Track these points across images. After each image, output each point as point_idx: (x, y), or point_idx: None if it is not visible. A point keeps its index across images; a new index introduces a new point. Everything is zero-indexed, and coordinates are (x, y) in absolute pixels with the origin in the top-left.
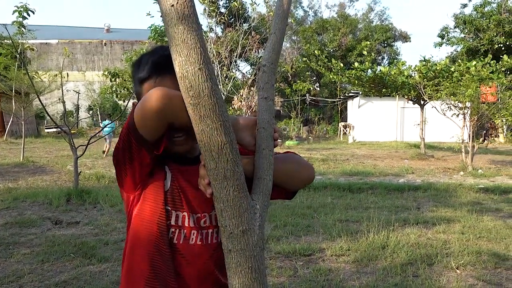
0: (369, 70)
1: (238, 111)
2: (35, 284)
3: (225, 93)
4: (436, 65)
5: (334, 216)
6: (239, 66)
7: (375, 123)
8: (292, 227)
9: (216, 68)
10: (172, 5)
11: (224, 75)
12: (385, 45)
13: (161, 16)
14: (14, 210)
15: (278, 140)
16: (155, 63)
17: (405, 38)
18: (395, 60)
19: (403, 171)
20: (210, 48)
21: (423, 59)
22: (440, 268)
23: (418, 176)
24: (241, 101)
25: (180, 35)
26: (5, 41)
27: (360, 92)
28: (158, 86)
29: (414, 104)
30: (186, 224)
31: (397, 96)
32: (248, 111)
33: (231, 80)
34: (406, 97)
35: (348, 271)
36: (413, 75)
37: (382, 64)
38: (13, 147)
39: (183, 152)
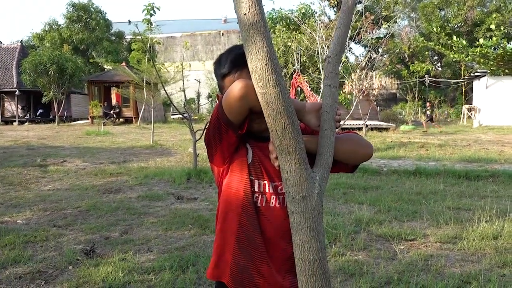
0: (498, 47)
1: (348, 95)
2: (160, 247)
3: None
4: None
5: (445, 203)
6: (352, 49)
7: (506, 105)
8: (397, 212)
9: (325, 52)
10: (245, 14)
11: None
12: None
13: (237, 23)
14: (145, 186)
15: (340, 123)
16: (232, 61)
17: None
18: None
19: None
20: (320, 33)
21: None
22: None
23: None
24: (351, 86)
25: (250, 37)
26: (137, 37)
27: (488, 71)
28: (238, 79)
29: None
30: (267, 191)
31: None
32: (359, 95)
33: (341, 64)
34: None
35: (451, 258)
36: None
37: None
38: (145, 132)
39: (260, 131)
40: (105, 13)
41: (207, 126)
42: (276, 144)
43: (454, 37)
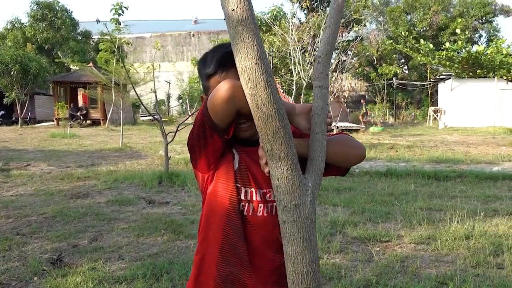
0: (462, 50)
1: None
2: (131, 254)
3: (306, 79)
4: None
5: (416, 204)
6: None
7: (470, 107)
8: (371, 213)
9: (297, 54)
10: (233, 10)
11: (307, 61)
12: (483, 21)
13: (224, 19)
14: (114, 190)
15: (331, 126)
16: (219, 60)
17: (507, 12)
18: (495, 38)
19: (499, 158)
20: (292, 35)
21: None
22: None
23: None
24: None
25: (239, 35)
26: (105, 37)
27: (453, 74)
28: (224, 79)
29: None
30: (254, 199)
31: (496, 77)
32: (330, 97)
33: (313, 66)
34: (505, 78)
35: (426, 259)
36: None
37: (479, 43)
38: (114, 134)
39: (245, 137)
40: (71, 12)
41: (190, 130)
42: (267, 149)
43: (422, 41)
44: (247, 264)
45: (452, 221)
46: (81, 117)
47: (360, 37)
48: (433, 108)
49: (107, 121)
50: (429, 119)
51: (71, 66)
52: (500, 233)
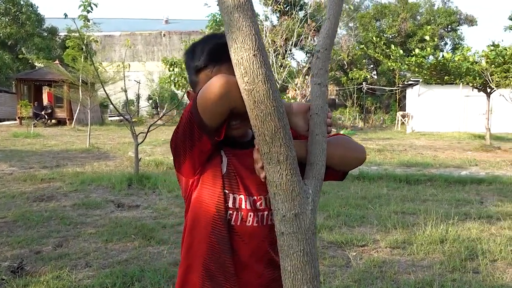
0: (431, 57)
1: (292, 100)
2: (99, 261)
3: (279, 82)
4: (506, 50)
5: (390, 207)
6: (294, 55)
7: (436, 113)
8: (346, 217)
9: (270, 57)
10: None
11: (279, 64)
12: (449, 30)
13: (217, 4)
14: (81, 192)
15: (331, 127)
16: (211, 52)
17: (471, 22)
18: (460, 46)
19: (466, 163)
20: (265, 37)
21: (491, 44)
22: (504, 265)
23: (482, 168)
24: (295, 90)
25: (235, 22)
26: (73, 34)
27: (420, 80)
28: (215, 74)
29: (479, 92)
30: (243, 207)
31: (461, 84)
32: (303, 100)
33: (286, 69)
34: (471, 84)
35: (403, 264)
36: (479, 61)
37: (445, 50)
38: (80, 134)
39: (238, 136)
40: (37, 7)
41: (174, 129)
42: (264, 151)
43: (392, 46)
44: (234, 279)
45: (426, 225)
46: (46, 116)
47: None
48: (401, 113)
49: (74, 121)
50: (397, 124)
51: (36, 63)
52: (473, 237)
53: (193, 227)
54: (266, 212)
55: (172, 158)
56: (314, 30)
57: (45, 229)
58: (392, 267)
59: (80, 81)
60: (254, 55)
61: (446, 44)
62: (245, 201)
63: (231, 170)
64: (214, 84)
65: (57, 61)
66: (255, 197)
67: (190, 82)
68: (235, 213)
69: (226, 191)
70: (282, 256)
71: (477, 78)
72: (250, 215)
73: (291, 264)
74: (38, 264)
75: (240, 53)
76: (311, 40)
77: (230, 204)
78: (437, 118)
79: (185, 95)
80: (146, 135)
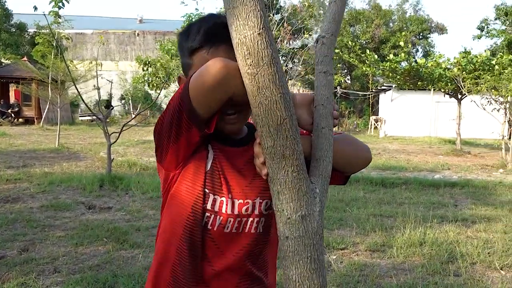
0: (405, 62)
1: None
2: (69, 266)
3: None
4: (477, 57)
5: (367, 210)
6: None
7: (408, 118)
8: (324, 220)
9: None
10: None
11: None
12: (420, 37)
13: None
14: (50, 194)
15: (337, 120)
16: (208, 32)
17: (441, 30)
18: (432, 53)
19: (439, 167)
20: None
21: (463, 51)
22: (483, 268)
23: (455, 172)
24: None
25: None
26: (42, 30)
27: (393, 85)
28: (212, 57)
29: (451, 98)
30: (223, 211)
31: (432, 90)
32: None
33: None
34: (442, 90)
35: (384, 267)
36: (450, 68)
37: (417, 57)
38: (49, 134)
39: (231, 131)
40: (5, 1)
41: (160, 115)
42: (267, 145)
43: (368, 51)
44: None
45: (405, 228)
46: (12, 115)
47: (307, 46)
48: (374, 117)
49: (42, 119)
50: (370, 128)
51: (3, 60)
52: (451, 240)
53: (165, 228)
54: (251, 219)
55: (154, 150)
56: (291, 33)
57: (9, 232)
58: (373, 270)
59: (50, 78)
60: (259, 33)
61: (417, 51)
62: (226, 204)
63: (216, 168)
64: (211, 67)
65: (25, 58)
66: (241, 201)
67: (183, 65)
68: (212, 216)
69: (207, 191)
70: (286, 264)
71: (449, 84)
72: (230, 221)
73: (297, 273)
74: (2, 270)
75: (243, 31)
76: (287, 43)
77: (209, 206)
78: (409, 123)
79: (160, 96)
80: (119, 135)
